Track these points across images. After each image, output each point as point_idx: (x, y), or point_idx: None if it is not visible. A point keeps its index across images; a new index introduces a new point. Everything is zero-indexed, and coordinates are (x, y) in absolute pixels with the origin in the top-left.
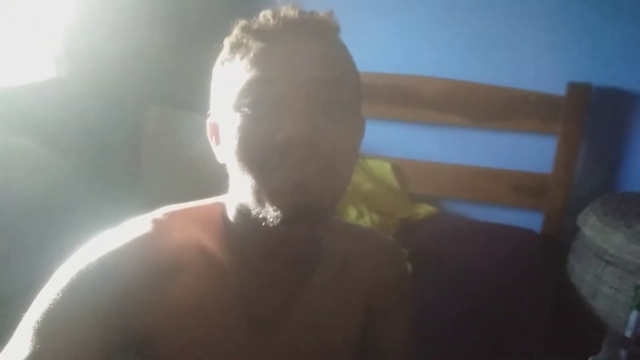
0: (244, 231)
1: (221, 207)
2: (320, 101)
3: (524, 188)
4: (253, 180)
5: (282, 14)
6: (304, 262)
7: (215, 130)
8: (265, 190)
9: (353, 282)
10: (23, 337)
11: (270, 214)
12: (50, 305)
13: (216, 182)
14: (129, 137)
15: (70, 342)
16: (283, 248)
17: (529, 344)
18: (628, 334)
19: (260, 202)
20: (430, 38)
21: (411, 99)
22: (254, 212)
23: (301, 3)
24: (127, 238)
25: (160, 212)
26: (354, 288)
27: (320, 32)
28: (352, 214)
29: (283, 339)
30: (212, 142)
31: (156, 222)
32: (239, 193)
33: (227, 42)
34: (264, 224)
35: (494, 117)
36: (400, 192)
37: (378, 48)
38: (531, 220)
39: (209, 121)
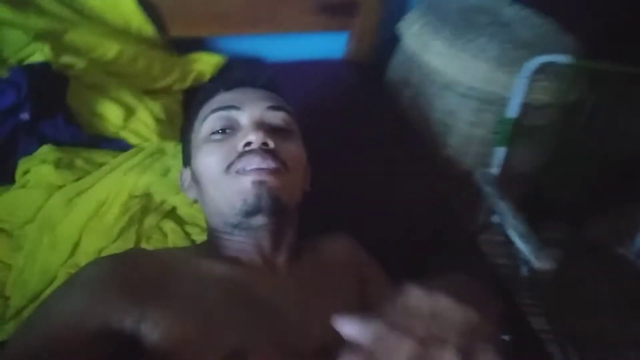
0: (223, 241)
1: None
2: (271, 123)
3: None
4: (223, 184)
5: (241, 72)
6: (279, 256)
7: (186, 178)
8: (234, 189)
9: (338, 264)
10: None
11: (237, 207)
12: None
13: None
14: None
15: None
16: (255, 248)
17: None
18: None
19: (228, 200)
20: None
21: None
22: (225, 217)
23: None
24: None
25: None
26: (341, 268)
27: (267, 85)
28: (112, 114)
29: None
30: (182, 188)
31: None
32: (213, 209)
33: (201, 92)
34: (234, 222)
35: None
36: (160, 40)
37: None
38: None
39: (180, 172)
